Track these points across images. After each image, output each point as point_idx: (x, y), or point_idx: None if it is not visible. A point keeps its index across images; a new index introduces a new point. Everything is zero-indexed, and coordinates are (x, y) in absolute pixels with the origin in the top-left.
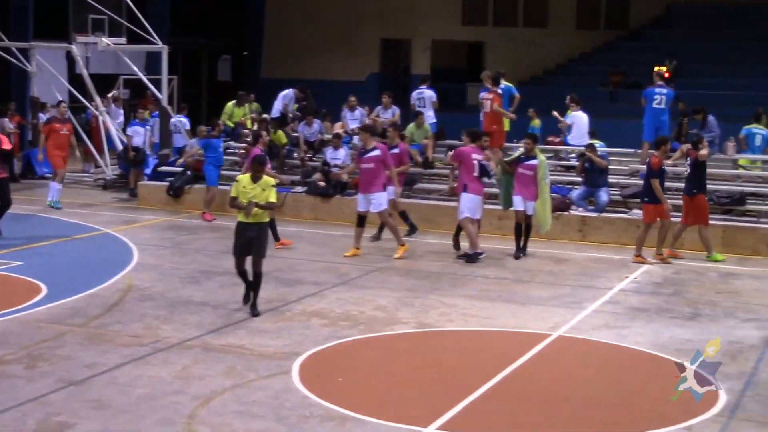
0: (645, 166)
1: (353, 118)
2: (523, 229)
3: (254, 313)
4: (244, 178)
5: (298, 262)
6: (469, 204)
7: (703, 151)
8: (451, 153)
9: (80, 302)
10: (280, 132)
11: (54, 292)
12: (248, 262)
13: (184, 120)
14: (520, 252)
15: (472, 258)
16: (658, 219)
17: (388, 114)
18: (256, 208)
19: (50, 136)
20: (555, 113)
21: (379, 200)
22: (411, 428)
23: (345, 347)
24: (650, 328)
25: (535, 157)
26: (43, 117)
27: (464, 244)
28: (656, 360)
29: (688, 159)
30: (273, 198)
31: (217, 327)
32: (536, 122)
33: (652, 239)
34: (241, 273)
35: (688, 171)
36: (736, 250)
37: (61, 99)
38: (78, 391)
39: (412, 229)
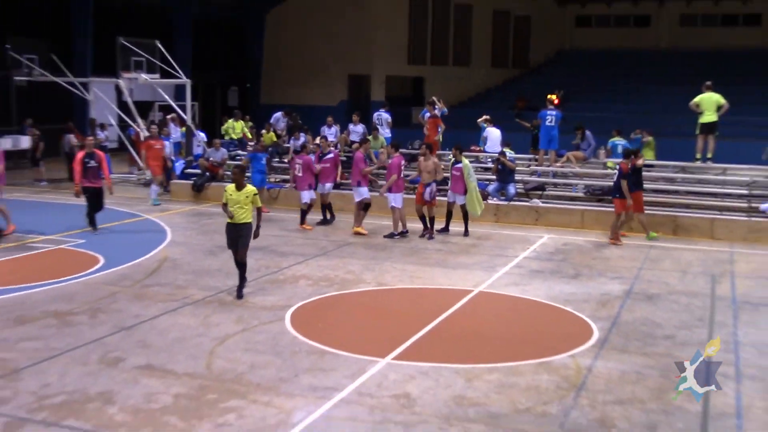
0: (542, 167)
1: (330, 133)
2: (462, 216)
3: (239, 295)
4: (230, 187)
5: (289, 239)
6: (395, 198)
7: (639, 161)
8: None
9: (128, 269)
10: (271, 133)
11: (109, 262)
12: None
13: (201, 134)
14: (446, 230)
15: (392, 236)
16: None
17: (359, 128)
18: (237, 211)
19: (148, 151)
20: (482, 119)
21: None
22: (372, 359)
23: (324, 301)
24: (545, 284)
25: (460, 162)
26: (101, 134)
27: (409, 226)
28: (550, 308)
29: (630, 165)
30: (258, 203)
31: (229, 287)
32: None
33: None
34: (238, 263)
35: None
36: (605, 228)
37: (152, 121)
38: (128, 335)
39: (327, 220)
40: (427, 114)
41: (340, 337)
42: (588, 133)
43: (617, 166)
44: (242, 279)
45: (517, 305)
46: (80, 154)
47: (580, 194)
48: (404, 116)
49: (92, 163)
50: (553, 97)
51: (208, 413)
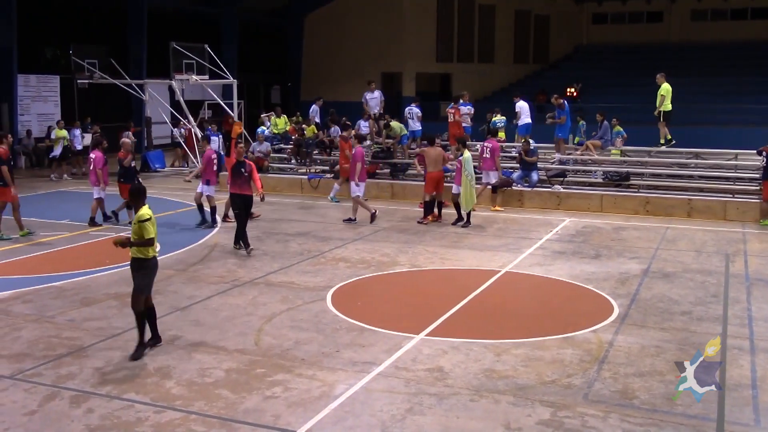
0: (564, 156)
1: (365, 126)
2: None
3: (135, 356)
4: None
5: (329, 225)
6: (359, 189)
7: None
8: (417, 156)
9: (182, 254)
10: (312, 126)
11: (164, 248)
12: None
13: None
14: (459, 221)
15: (350, 221)
16: None
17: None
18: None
19: (342, 152)
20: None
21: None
22: (407, 335)
23: (362, 282)
24: (567, 264)
25: (462, 155)
26: (175, 131)
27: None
28: (572, 286)
29: (764, 153)
30: (146, 234)
31: (275, 270)
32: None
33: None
34: (148, 309)
35: (765, 162)
36: (623, 211)
37: (348, 123)
38: (183, 314)
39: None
40: (451, 108)
41: (378, 315)
42: (606, 123)
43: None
44: (142, 335)
45: (541, 284)
46: (232, 160)
47: (599, 180)
48: (433, 110)
49: (243, 172)
50: (572, 89)
51: (257, 386)
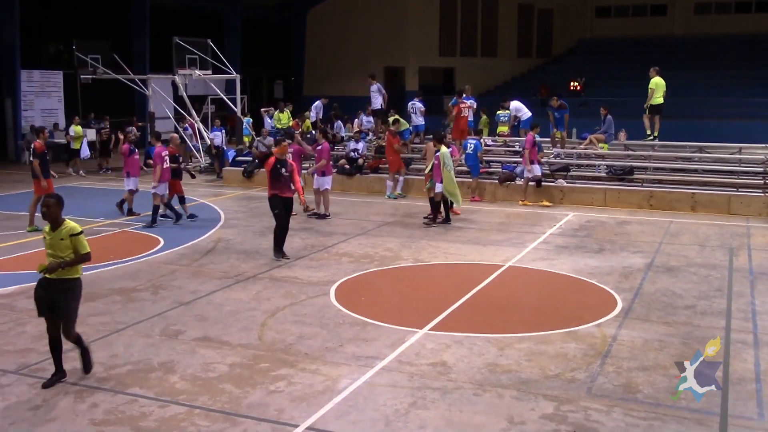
0: (565, 150)
1: (368, 120)
2: (440, 203)
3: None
4: (47, 226)
5: (332, 220)
6: (326, 181)
7: None
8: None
9: (186, 249)
10: (307, 121)
11: (169, 243)
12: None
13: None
14: (446, 218)
15: (322, 216)
16: None
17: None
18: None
19: (388, 146)
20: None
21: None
22: (411, 329)
23: (365, 276)
24: (571, 259)
25: (438, 151)
26: (189, 129)
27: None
28: (575, 281)
29: None
30: (82, 248)
31: (278, 265)
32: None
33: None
34: (53, 340)
35: None
36: (627, 206)
37: (397, 116)
38: (186, 309)
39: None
40: (470, 101)
41: (381, 310)
42: (609, 117)
43: None
44: (84, 358)
45: (545, 278)
46: (271, 160)
47: (603, 174)
48: (436, 104)
49: (284, 172)
50: (576, 83)
51: (261, 381)
